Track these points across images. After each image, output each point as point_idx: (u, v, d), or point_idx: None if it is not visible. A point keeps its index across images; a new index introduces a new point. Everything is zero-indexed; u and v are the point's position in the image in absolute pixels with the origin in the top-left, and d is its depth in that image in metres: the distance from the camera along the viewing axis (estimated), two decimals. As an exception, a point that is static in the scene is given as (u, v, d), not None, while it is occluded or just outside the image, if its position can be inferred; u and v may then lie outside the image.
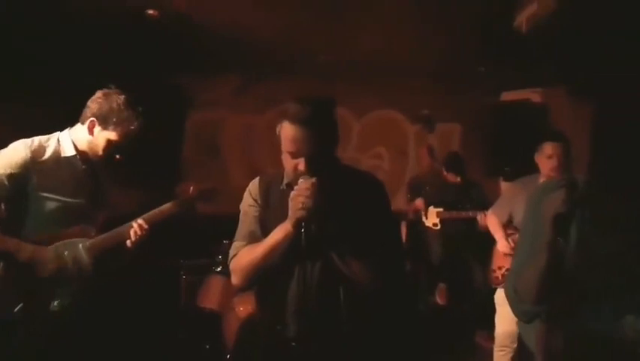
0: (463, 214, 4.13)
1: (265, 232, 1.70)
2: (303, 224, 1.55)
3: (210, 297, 3.92)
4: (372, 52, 4.99)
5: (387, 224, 1.75)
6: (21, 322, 1.95)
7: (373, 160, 5.68)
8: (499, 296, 3.26)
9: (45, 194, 2.05)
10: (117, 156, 2.18)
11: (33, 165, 2.06)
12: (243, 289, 1.74)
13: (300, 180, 1.58)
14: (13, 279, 1.98)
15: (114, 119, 2.12)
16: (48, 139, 2.17)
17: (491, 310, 4.60)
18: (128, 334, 2.79)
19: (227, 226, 4.11)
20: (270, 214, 1.73)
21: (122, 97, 2.15)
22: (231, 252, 1.76)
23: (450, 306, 4.68)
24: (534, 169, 4.74)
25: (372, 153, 5.78)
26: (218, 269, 4.03)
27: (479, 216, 4.03)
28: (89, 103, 2.17)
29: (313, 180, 1.56)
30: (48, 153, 2.12)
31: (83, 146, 2.18)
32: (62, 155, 2.14)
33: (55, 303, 2.00)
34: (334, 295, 1.64)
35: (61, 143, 2.16)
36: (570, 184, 1.47)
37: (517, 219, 3.24)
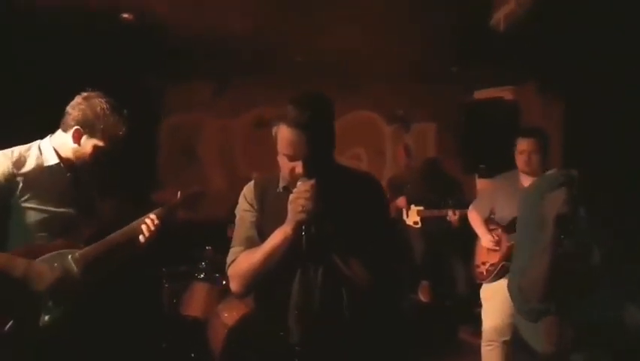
0: (444, 212, 4.17)
1: (262, 236, 1.67)
2: (303, 227, 1.53)
3: (194, 304, 3.87)
4: (348, 53, 5.01)
5: (385, 224, 1.75)
6: (12, 339, 1.87)
7: (352, 161, 5.69)
8: (486, 291, 3.29)
9: (30, 205, 1.97)
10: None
11: (15, 176, 1.97)
12: (243, 295, 1.69)
13: (299, 183, 1.56)
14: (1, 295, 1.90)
15: (101, 127, 2.03)
16: (28, 148, 2.07)
17: (474, 305, 4.67)
18: (113, 345, 2.71)
19: (207, 232, 4.08)
20: (266, 218, 1.70)
21: (104, 100, 2.06)
22: (229, 258, 1.72)
23: (433, 303, 4.72)
24: (508, 165, 4.84)
25: (351, 153, 5.81)
26: (201, 276, 3.98)
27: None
28: (69, 110, 2.07)
29: (312, 182, 1.53)
30: (30, 163, 2.03)
31: (67, 153, 2.09)
32: (45, 164, 2.05)
33: (47, 318, 1.93)
34: (337, 297, 1.62)
35: (42, 152, 2.07)
36: (569, 181, 1.48)
37: (499, 214, 3.29)
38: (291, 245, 1.56)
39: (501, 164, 5.41)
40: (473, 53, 5.09)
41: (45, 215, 1.98)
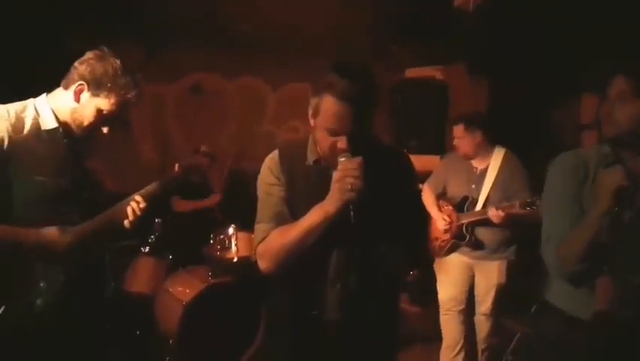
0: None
1: (291, 211, 1.60)
2: (351, 205, 1.47)
3: (139, 280, 3.68)
4: (288, 24, 4.92)
5: (418, 200, 1.77)
6: (3, 324, 1.66)
7: (289, 133, 5.62)
8: (440, 265, 3.44)
9: (29, 176, 1.71)
10: (105, 130, 1.84)
11: (13, 141, 1.69)
12: (273, 273, 1.62)
13: (342, 160, 1.49)
14: None
15: (108, 85, 1.78)
16: (24, 108, 1.78)
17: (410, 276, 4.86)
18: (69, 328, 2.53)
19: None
20: (295, 193, 1.62)
21: (119, 61, 1.81)
22: (258, 235, 1.63)
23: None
24: (437, 143, 5.10)
25: (288, 126, 5.71)
26: (146, 250, 3.79)
27: None
28: (76, 65, 1.81)
29: (359, 159, 1.47)
30: (27, 126, 1.74)
31: (65, 116, 1.82)
32: (42, 127, 1.78)
33: (39, 301, 1.73)
34: (375, 272, 1.61)
35: (39, 113, 1.79)
36: (620, 160, 1.57)
37: (451, 192, 3.43)
38: (330, 223, 1.50)
39: (430, 141, 5.66)
40: (411, 32, 5.21)
41: (40, 186, 1.73)
